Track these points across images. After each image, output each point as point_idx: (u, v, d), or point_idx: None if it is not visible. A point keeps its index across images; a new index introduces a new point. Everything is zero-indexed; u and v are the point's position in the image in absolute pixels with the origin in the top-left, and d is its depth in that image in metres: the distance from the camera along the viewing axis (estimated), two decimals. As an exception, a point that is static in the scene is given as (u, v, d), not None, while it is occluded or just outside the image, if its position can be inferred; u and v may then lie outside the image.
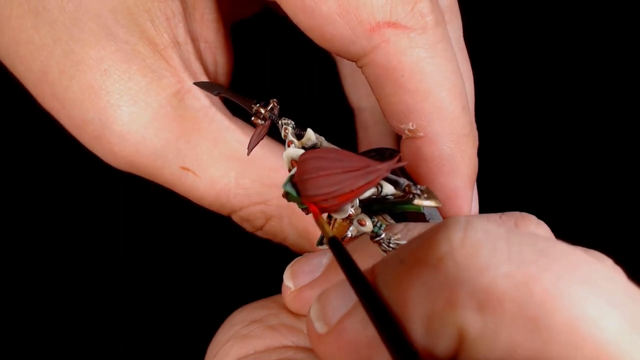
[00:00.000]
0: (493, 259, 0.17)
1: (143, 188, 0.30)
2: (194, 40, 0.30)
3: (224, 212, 0.30)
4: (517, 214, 0.27)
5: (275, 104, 0.26)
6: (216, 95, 0.28)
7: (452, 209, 0.28)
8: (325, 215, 0.24)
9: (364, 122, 0.38)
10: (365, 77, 0.27)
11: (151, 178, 0.29)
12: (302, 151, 0.23)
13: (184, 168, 0.28)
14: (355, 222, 0.23)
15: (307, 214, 0.25)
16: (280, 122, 0.25)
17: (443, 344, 0.17)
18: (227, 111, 0.30)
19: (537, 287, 0.16)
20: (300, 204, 0.22)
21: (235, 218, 0.30)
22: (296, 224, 0.30)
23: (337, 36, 0.25)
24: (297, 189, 0.21)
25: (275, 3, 0.25)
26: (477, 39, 0.32)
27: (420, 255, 0.18)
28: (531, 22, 0.43)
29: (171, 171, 0.28)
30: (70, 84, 0.27)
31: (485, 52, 0.36)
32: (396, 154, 0.27)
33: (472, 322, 0.16)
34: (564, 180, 0.42)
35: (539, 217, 0.26)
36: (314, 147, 0.24)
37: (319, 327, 0.19)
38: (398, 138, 0.39)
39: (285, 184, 0.22)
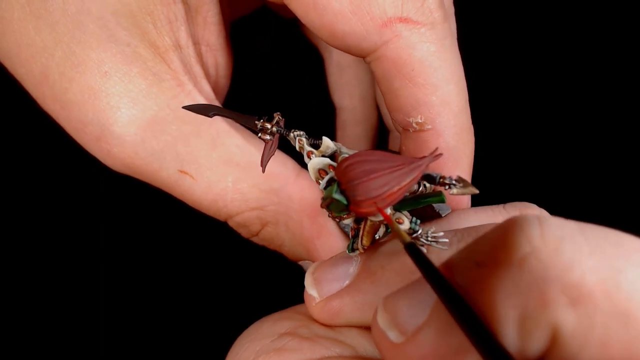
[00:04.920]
0: (577, 254, 0.17)
1: (143, 190, 0.30)
2: (196, 44, 0.30)
3: (221, 217, 0.30)
4: (520, 204, 0.27)
5: (280, 117, 0.26)
6: (211, 117, 0.27)
7: (455, 199, 0.28)
8: (352, 221, 0.25)
9: (343, 122, 0.39)
10: (373, 72, 0.27)
11: (148, 181, 0.29)
12: (329, 160, 0.23)
13: (181, 171, 0.28)
14: (394, 220, 0.22)
15: (342, 219, 0.25)
16: (291, 134, 0.25)
17: (535, 344, 0.17)
18: None
19: (624, 280, 0.17)
20: (340, 211, 0.22)
21: (231, 224, 0.30)
22: (293, 229, 0.29)
23: (348, 33, 0.25)
24: (345, 196, 0.21)
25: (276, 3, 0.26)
26: (471, 41, 0.32)
27: (498, 257, 0.18)
28: (526, 23, 0.43)
29: (169, 174, 0.28)
30: (70, 86, 0.27)
31: (479, 54, 0.37)
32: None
33: (567, 318, 0.17)
34: (559, 176, 0.42)
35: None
36: (333, 154, 0.24)
37: (394, 336, 0.19)
38: (372, 142, 0.40)
39: (334, 193, 0.21)
